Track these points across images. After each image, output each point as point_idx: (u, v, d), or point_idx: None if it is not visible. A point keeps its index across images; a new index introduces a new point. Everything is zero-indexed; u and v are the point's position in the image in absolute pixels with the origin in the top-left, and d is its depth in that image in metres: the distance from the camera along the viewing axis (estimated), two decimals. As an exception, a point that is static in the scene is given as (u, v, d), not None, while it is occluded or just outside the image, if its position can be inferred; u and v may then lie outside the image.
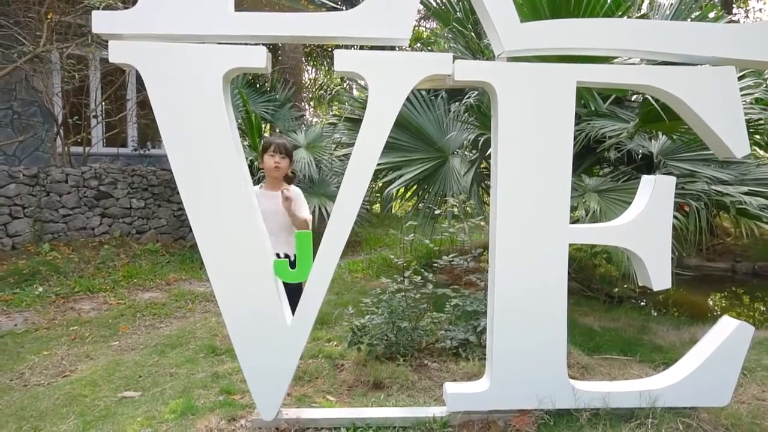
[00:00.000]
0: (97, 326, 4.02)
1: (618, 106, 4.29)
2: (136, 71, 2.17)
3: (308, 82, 14.74)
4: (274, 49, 9.76)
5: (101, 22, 2.10)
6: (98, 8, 1.90)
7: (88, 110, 7.08)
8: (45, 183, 5.93)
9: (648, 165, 4.31)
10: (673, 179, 2.35)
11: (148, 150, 8.15)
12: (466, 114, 4.69)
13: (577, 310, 4.45)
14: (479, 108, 4.20)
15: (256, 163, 6.17)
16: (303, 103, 11.99)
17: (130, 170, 6.67)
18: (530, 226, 2.31)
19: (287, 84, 8.85)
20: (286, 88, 8.65)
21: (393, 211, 9.85)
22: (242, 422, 2.40)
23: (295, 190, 2.92)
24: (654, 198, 2.33)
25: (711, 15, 4.37)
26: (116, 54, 2.13)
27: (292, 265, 2.33)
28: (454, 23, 4.44)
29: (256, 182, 2.92)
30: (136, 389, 2.88)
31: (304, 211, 2.90)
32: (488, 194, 5.02)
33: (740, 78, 3.46)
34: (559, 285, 2.34)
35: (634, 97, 4.48)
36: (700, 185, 3.82)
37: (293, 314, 2.29)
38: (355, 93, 8.65)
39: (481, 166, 4.89)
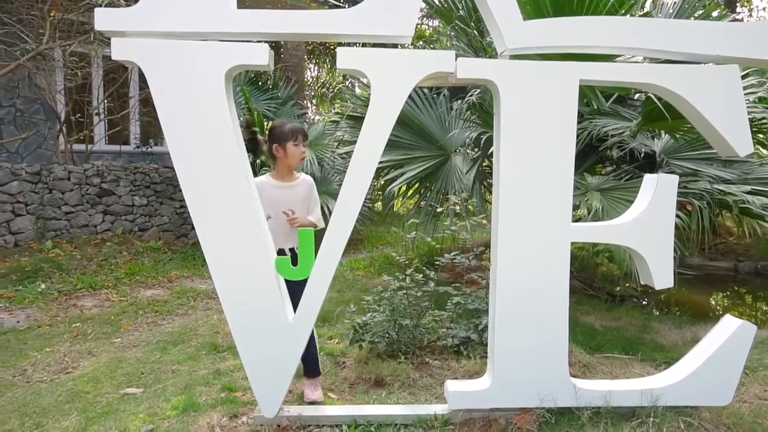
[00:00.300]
0: (99, 323, 4.03)
1: (620, 105, 4.28)
2: (139, 69, 2.17)
3: (310, 79, 14.74)
4: (276, 46, 9.76)
5: (104, 19, 2.11)
6: (101, 5, 1.91)
7: (90, 108, 7.09)
8: (48, 180, 5.95)
9: (650, 164, 4.29)
10: (675, 178, 2.35)
11: (151, 147, 8.15)
12: (468, 112, 4.68)
13: (578, 308, 4.45)
14: (481, 106, 4.19)
15: (258, 160, 6.17)
16: (305, 101, 11.99)
17: (132, 168, 6.68)
18: (532, 224, 2.30)
19: (289, 82, 8.85)
20: (288, 85, 8.65)
21: (395, 209, 9.84)
22: (244, 419, 2.41)
23: (308, 181, 2.76)
24: (656, 197, 2.33)
25: (714, 14, 4.36)
26: (119, 51, 2.13)
27: (302, 282, 2.32)
28: (456, 21, 4.43)
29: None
30: (138, 386, 2.89)
31: (317, 211, 2.75)
32: (490, 192, 5.02)
33: (743, 77, 3.45)
34: (560, 283, 2.33)
35: (636, 96, 4.47)
36: (702, 184, 3.81)
37: (295, 312, 2.30)
38: (358, 91, 8.65)
39: (483, 164, 4.88)
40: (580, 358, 3.20)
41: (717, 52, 2.27)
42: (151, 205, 6.74)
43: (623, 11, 3.56)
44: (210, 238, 2.23)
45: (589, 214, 3.54)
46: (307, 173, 2.93)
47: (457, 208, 4.04)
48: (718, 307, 5.90)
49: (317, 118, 12.15)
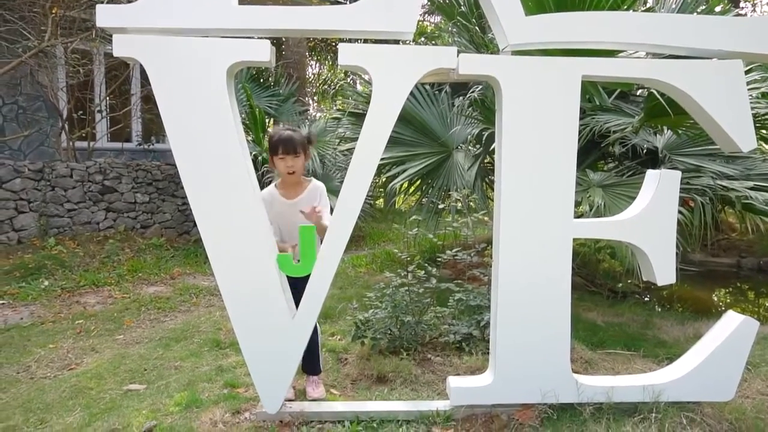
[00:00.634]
0: (102, 320, 4.04)
1: (623, 101, 4.27)
2: (141, 66, 2.17)
3: (312, 76, 14.72)
4: (277, 43, 9.75)
5: (105, 15, 2.11)
6: (102, 2, 1.91)
7: (92, 105, 7.10)
8: (50, 178, 5.96)
9: (653, 160, 4.28)
10: (678, 174, 2.34)
11: (153, 145, 8.16)
12: (470, 108, 4.67)
13: (580, 305, 4.44)
14: (483, 102, 4.19)
15: (260, 157, 6.18)
16: (307, 98, 11.98)
17: (134, 165, 6.69)
18: (534, 220, 2.30)
19: (291, 79, 8.84)
20: (289, 82, 8.65)
21: (396, 206, 9.84)
22: (246, 415, 2.42)
23: (319, 188, 2.62)
24: (659, 193, 2.32)
25: (717, 9, 4.33)
26: (120, 48, 2.13)
27: (304, 280, 2.32)
28: (458, 17, 4.42)
29: (260, 178, 2.78)
30: (141, 382, 2.90)
31: (328, 216, 2.49)
32: (492, 189, 5.00)
33: (747, 72, 3.43)
34: (562, 280, 2.33)
35: (639, 92, 4.45)
36: (705, 180, 3.80)
37: (297, 308, 2.30)
38: (359, 88, 8.63)
39: (485, 160, 4.88)
40: (582, 354, 3.20)
41: (720, 47, 2.26)
42: (154, 203, 6.75)
43: (625, 6, 3.55)
44: (212, 235, 2.24)
45: (591, 210, 3.54)
46: (308, 171, 2.87)
47: (459, 204, 4.04)
48: (721, 304, 5.90)
49: (319, 115, 12.14)
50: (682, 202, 3.61)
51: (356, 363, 3.05)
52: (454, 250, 3.54)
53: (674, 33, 2.26)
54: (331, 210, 2.36)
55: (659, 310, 4.97)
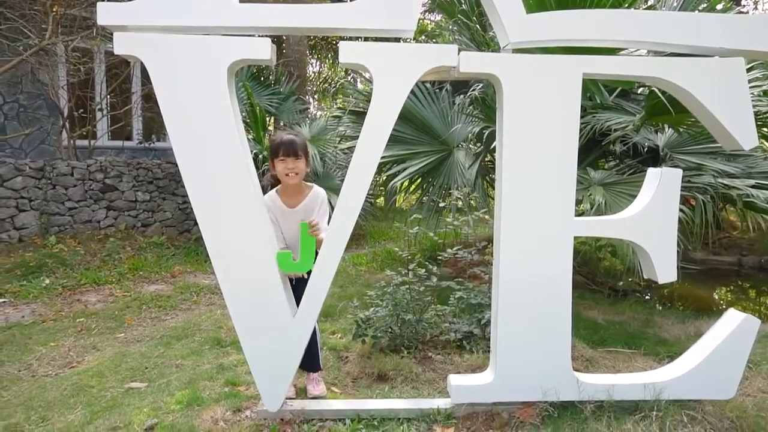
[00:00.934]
0: (103, 318, 4.05)
1: (624, 99, 4.26)
2: (141, 64, 2.17)
3: (312, 75, 14.72)
4: (278, 42, 9.74)
5: (106, 13, 2.10)
6: (103, 0, 1.90)
7: (93, 103, 7.10)
8: (51, 176, 5.96)
9: (654, 158, 4.28)
10: (679, 172, 2.34)
11: (153, 143, 8.17)
12: (470, 106, 4.67)
13: (581, 303, 4.44)
14: (484, 100, 4.18)
15: (260, 156, 6.18)
16: (307, 96, 11.98)
17: (135, 163, 6.69)
18: (535, 218, 2.30)
19: (291, 77, 8.84)
20: (290, 81, 8.64)
21: (397, 205, 9.84)
22: (247, 413, 2.42)
23: (320, 195, 2.57)
24: (660, 190, 2.32)
25: (719, 6, 4.32)
26: (121, 46, 2.13)
27: (305, 279, 2.33)
28: (459, 15, 4.41)
29: (260, 176, 2.74)
30: (143, 380, 2.91)
31: (325, 227, 2.45)
32: (493, 187, 5.00)
33: (748, 70, 3.43)
34: (563, 278, 2.33)
35: (640, 90, 4.44)
36: (706, 178, 3.79)
37: (298, 307, 2.30)
38: (360, 86, 8.62)
39: (486, 159, 4.87)
40: (583, 352, 3.20)
41: (722, 45, 2.25)
42: (154, 201, 6.75)
43: (627, 4, 3.54)
44: (213, 234, 2.24)
45: (592, 208, 3.54)
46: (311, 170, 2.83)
47: (460, 203, 4.04)
48: (722, 302, 5.90)
49: (319, 113, 12.14)
50: (683, 200, 3.61)
51: (357, 361, 3.05)
52: (455, 249, 3.53)
53: (675, 31, 2.25)
54: (332, 210, 2.35)
55: (660, 308, 4.97)
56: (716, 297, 6.09)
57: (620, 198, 3.66)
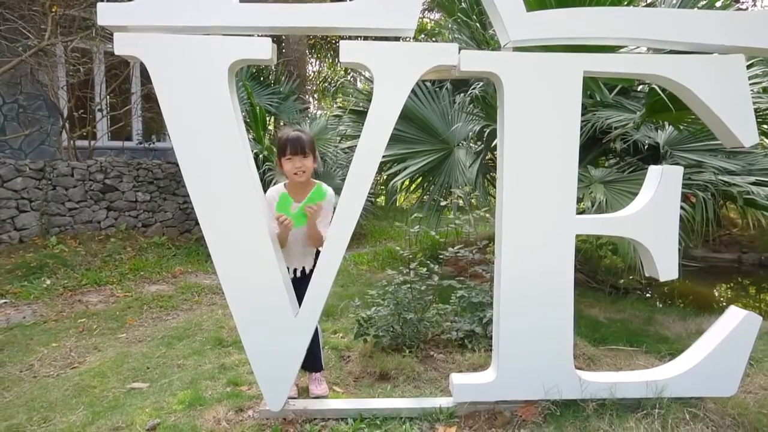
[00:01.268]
0: (104, 318, 4.05)
1: (624, 97, 4.26)
2: (141, 65, 2.17)
3: (312, 74, 14.70)
4: (278, 41, 9.74)
5: (106, 13, 2.10)
6: (103, 0, 1.90)
7: (93, 104, 7.10)
8: (51, 176, 5.96)
9: (654, 156, 4.28)
10: (680, 169, 2.34)
11: (153, 143, 8.17)
12: (471, 105, 4.67)
13: (582, 301, 4.44)
14: (484, 99, 4.18)
15: (261, 156, 6.18)
16: (307, 96, 11.97)
17: (135, 163, 6.69)
18: (536, 217, 2.30)
19: (291, 76, 8.84)
20: (290, 80, 8.64)
21: (398, 204, 9.84)
22: (250, 413, 2.42)
23: (329, 196, 2.48)
24: (661, 188, 2.32)
25: (718, 3, 4.31)
26: (121, 46, 2.13)
27: (306, 279, 2.35)
28: (458, 14, 4.41)
29: (261, 176, 2.72)
30: (144, 380, 2.91)
31: (326, 223, 2.42)
32: (494, 186, 5.01)
33: (748, 67, 3.43)
34: (565, 276, 2.33)
35: (640, 88, 4.44)
36: (707, 175, 3.79)
37: (299, 306, 2.30)
38: (360, 85, 8.62)
39: (487, 157, 4.88)
40: (585, 350, 3.20)
41: (722, 42, 2.25)
42: (155, 201, 6.75)
43: (627, 2, 3.54)
44: (214, 233, 2.24)
45: (592, 206, 3.54)
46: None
47: (461, 201, 4.03)
48: (723, 299, 5.90)
49: (320, 112, 12.14)
50: (684, 197, 3.60)
51: (359, 360, 3.05)
52: (456, 247, 3.53)
53: (675, 28, 2.25)
54: (334, 210, 2.35)
55: (661, 306, 4.98)
56: (717, 294, 6.09)
57: (621, 196, 3.67)
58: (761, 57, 3.67)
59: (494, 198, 2.46)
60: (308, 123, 7.57)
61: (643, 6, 4.35)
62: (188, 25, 2.14)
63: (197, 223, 2.40)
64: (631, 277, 4.94)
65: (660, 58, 2.33)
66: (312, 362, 2.64)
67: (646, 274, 2.45)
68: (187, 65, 2.14)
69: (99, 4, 2.10)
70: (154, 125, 8.41)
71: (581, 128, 2.32)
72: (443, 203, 4.48)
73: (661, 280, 2.35)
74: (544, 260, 2.32)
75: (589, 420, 2.29)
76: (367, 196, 2.29)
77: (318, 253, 2.58)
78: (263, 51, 2.14)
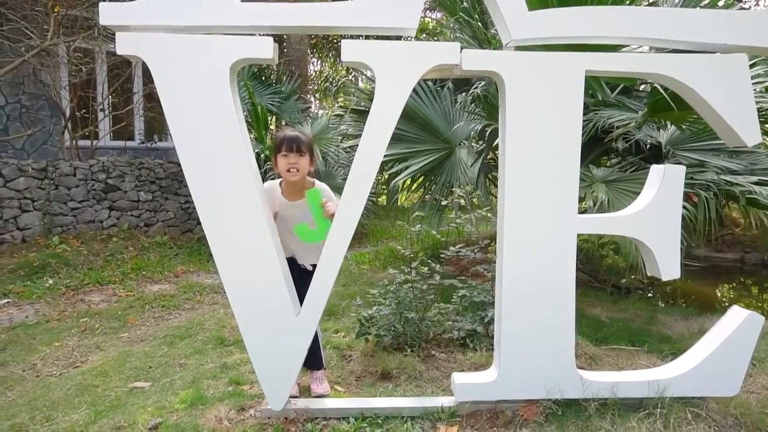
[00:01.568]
0: (106, 318, 4.06)
1: (626, 96, 4.25)
2: (143, 64, 2.17)
3: (314, 74, 14.71)
4: (279, 40, 9.74)
5: (108, 13, 2.11)
6: (105, 0, 1.90)
7: (95, 103, 7.11)
8: (54, 176, 5.98)
9: (656, 155, 4.27)
10: (682, 168, 2.33)
11: (155, 143, 8.18)
12: (472, 105, 4.67)
13: (584, 300, 4.44)
14: (486, 98, 4.18)
15: (262, 155, 6.18)
16: (309, 95, 11.98)
17: (137, 163, 6.70)
18: (538, 216, 2.30)
19: (293, 76, 8.85)
20: (291, 80, 8.64)
21: (399, 203, 9.84)
22: (251, 412, 2.43)
23: (324, 190, 2.51)
24: (663, 187, 2.32)
25: (721, 2, 4.31)
26: (123, 45, 2.13)
27: (311, 274, 2.35)
28: (460, 13, 4.41)
29: (263, 175, 2.71)
30: (147, 380, 2.91)
31: (334, 203, 2.43)
32: (495, 185, 5.01)
33: (751, 66, 3.42)
34: (567, 275, 2.33)
35: (642, 87, 4.44)
36: (709, 175, 3.79)
37: (301, 305, 2.30)
38: (361, 84, 8.62)
39: (488, 156, 4.87)
40: (586, 349, 3.20)
41: (724, 41, 2.25)
42: (157, 201, 6.76)
43: (628, 1, 3.53)
44: (216, 233, 2.24)
45: (594, 206, 3.53)
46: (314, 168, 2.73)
47: (462, 201, 4.03)
48: (725, 299, 5.88)
49: (321, 112, 12.14)
50: (686, 197, 3.60)
51: (360, 360, 3.05)
52: (458, 247, 3.53)
53: (677, 27, 2.25)
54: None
55: (663, 305, 4.97)
56: (719, 294, 6.08)
57: (623, 195, 3.66)
58: (763, 56, 3.66)
59: (496, 197, 2.46)
60: (310, 122, 7.58)
61: (646, 5, 4.34)
62: (190, 24, 2.14)
63: (199, 223, 2.40)
64: (633, 277, 4.93)
65: (662, 57, 2.32)
66: (312, 360, 2.64)
67: (648, 274, 2.45)
68: (188, 65, 2.14)
69: (101, 4, 2.10)
70: (156, 125, 8.42)
71: (583, 127, 2.31)
72: (444, 202, 4.48)
73: (663, 279, 2.34)
74: (546, 259, 2.32)
75: (591, 419, 2.29)
76: (369, 196, 2.28)
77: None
78: (265, 50, 2.14)
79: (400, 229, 7.87)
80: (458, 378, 2.40)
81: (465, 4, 4.53)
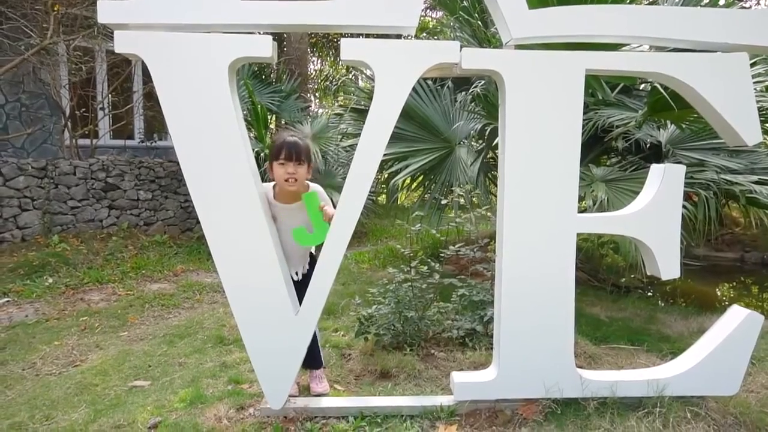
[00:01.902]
0: (106, 317, 4.05)
1: (626, 95, 4.25)
2: (143, 63, 2.17)
3: (314, 73, 14.70)
4: (279, 40, 9.73)
5: (107, 11, 2.10)
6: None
7: (95, 102, 7.11)
8: (53, 175, 5.97)
9: (656, 154, 4.27)
10: (683, 168, 2.33)
11: (155, 142, 8.18)
12: (472, 104, 4.66)
13: (583, 299, 4.44)
14: (486, 97, 4.17)
15: (262, 154, 6.18)
16: (309, 94, 11.97)
17: (137, 162, 6.70)
18: (538, 215, 2.29)
19: (293, 75, 8.83)
20: (291, 79, 8.64)
21: (399, 202, 9.84)
22: (251, 411, 2.42)
23: (320, 192, 2.47)
24: (663, 187, 2.31)
25: (722, 1, 4.31)
26: (121, 44, 2.13)
27: (305, 282, 2.35)
28: (460, 12, 4.40)
29: (262, 175, 2.67)
30: (146, 378, 2.91)
31: (332, 209, 2.38)
32: (495, 184, 5.01)
33: (751, 65, 3.41)
34: (566, 275, 2.33)
35: (642, 86, 4.43)
36: (709, 174, 3.78)
37: (300, 304, 2.30)
38: (361, 83, 8.62)
39: (488, 156, 4.87)
40: (586, 348, 3.20)
41: (725, 40, 2.24)
42: (156, 200, 6.76)
43: (629, 0, 3.53)
44: (215, 232, 2.24)
45: (594, 205, 3.53)
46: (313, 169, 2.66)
47: (462, 200, 4.03)
48: (725, 298, 5.88)
49: (321, 111, 12.14)
50: (686, 196, 3.59)
51: (360, 359, 3.05)
52: (457, 246, 3.53)
53: (678, 26, 2.24)
54: (333, 204, 2.36)
55: (663, 304, 4.96)
56: (719, 293, 6.08)
57: (622, 194, 3.66)
58: (764, 55, 3.65)
59: (495, 196, 2.46)
60: (309, 121, 7.57)
61: (646, 4, 4.34)
62: (189, 23, 2.13)
63: (198, 222, 2.39)
64: (632, 276, 4.93)
65: (663, 56, 2.32)
66: (311, 360, 2.64)
67: (648, 273, 2.45)
68: (187, 63, 2.14)
69: (99, 2, 2.09)
70: (156, 124, 8.41)
71: (583, 127, 2.31)
72: (444, 202, 4.47)
73: (663, 278, 2.34)
74: (546, 259, 2.32)
75: (590, 418, 2.29)
76: (369, 195, 2.28)
77: (312, 256, 2.60)
78: (264, 49, 2.14)
79: (400, 228, 7.87)
80: (457, 377, 2.40)
81: (465, 3, 4.53)
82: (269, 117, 7.78)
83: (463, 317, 3.36)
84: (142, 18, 2.12)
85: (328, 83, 14.60)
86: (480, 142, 4.95)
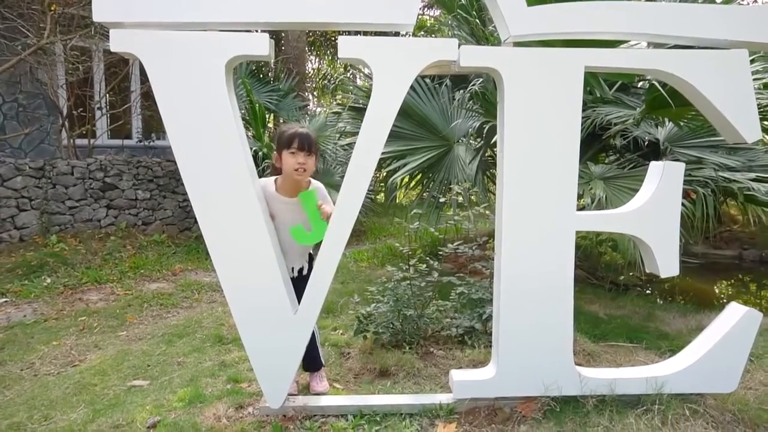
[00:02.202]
0: (105, 316, 4.05)
1: (624, 93, 4.25)
2: (140, 63, 2.16)
3: (312, 71, 14.69)
4: (277, 38, 9.72)
5: (102, 9, 2.09)
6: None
7: (92, 102, 7.09)
8: (51, 175, 5.96)
9: (654, 152, 4.27)
10: (681, 165, 2.33)
11: (153, 141, 8.16)
12: (470, 101, 4.66)
13: (582, 297, 4.44)
14: (484, 95, 4.17)
15: (260, 153, 6.17)
16: (307, 93, 11.95)
17: (135, 162, 6.68)
18: (536, 213, 2.29)
19: (291, 74, 8.83)
20: (289, 77, 8.63)
21: (397, 201, 9.84)
22: (250, 410, 2.42)
23: (320, 190, 2.47)
24: (662, 184, 2.31)
25: (720, -1, 4.30)
26: (117, 43, 2.11)
27: (305, 277, 2.34)
28: (458, 10, 4.40)
29: (260, 174, 2.64)
30: (145, 378, 2.91)
31: (331, 206, 2.38)
32: (493, 182, 5.01)
33: (750, 62, 3.41)
34: (565, 272, 2.32)
35: (640, 84, 4.43)
36: (707, 172, 3.78)
37: (299, 303, 2.30)
38: (359, 82, 8.61)
39: (486, 154, 4.87)
40: (585, 346, 3.20)
41: (724, 37, 2.24)
42: (155, 199, 6.75)
43: (627, -3, 3.52)
44: (213, 231, 2.23)
45: (592, 203, 3.53)
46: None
47: (460, 198, 4.03)
48: (723, 296, 5.89)
49: (319, 109, 12.13)
50: (684, 194, 3.59)
51: (359, 357, 3.05)
52: (456, 244, 3.53)
53: (678, 22, 2.24)
54: (332, 202, 2.35)
55: (661, 302, 4.97)
56: (717, 291, 6.09)
57: (621, 192, 3.66)
58: (762, 52, 3.65)
59: (494, 194, 2.46)
60: (308, 120, 7.57)
61: (645, 0, 4.33)
62: (185, 21, 2.12)
63: (197, 221, 2.38)
64: (631, 274, 4.94)
65: (662, 53, 2.32)
66: (310, 362, 2.63)
67: (647, 271, 2.44)
68: (184, 62, 2.13)
69: (95, 1, 2.08)
70: (154, 123, 8.40)
71: (581, 124, 2.31)
72: (443, 200, 4.47)
73: (662, 276, 2.34)
74: (544, 257, 2.31)
75: (589, 416, 2.29)
76: (367, 193, 2.27)
77: (311, 256, 2.59)
78: (261, 47, 2.13)
79: (399, 227, 7.86)
80: (456, 375, 2.40)
81: (463, 0, 4.52)
82: (267, 116, 7.77)
83: (462, 315, 3.36)
84: (138, 16, 2.11)
85: (326, 82, 14.60)
86: (478, 140, 4.94)
